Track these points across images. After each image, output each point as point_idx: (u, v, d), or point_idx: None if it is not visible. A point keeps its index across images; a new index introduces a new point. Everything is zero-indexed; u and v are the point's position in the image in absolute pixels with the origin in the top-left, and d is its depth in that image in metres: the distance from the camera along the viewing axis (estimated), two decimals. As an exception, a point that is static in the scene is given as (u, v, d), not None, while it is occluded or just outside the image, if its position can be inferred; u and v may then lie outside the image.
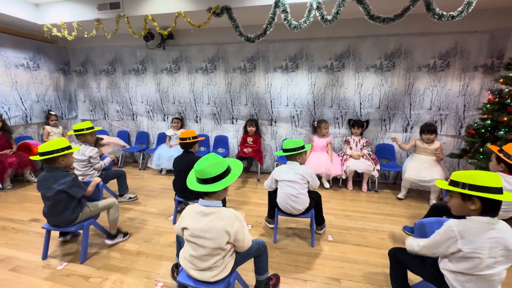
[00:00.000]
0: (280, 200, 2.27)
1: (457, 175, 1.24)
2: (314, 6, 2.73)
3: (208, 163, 1.33)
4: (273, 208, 2.41)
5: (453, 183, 1.25)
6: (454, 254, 1.23)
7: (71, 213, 2.01)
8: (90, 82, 4.95)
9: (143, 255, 2.18)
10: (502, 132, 2.60)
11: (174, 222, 2.74)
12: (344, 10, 2.68)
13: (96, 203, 2.21)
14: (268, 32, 2.94)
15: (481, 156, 2.78)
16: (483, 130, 2.85)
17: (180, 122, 4.51)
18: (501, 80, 2.79)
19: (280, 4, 2.82)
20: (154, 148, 4.58)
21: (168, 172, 4.37)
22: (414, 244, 1.41)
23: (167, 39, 4.23)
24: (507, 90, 2.69)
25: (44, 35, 3.86)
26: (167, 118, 4.76)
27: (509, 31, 3.20)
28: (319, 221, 2.44)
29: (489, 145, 2.34)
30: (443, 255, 1.31)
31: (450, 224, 1.24)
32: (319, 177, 3.72)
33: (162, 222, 2.74)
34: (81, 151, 2.79)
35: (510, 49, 3.18)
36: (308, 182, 2.23)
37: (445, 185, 1.30)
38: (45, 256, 2.13)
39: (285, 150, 2.27)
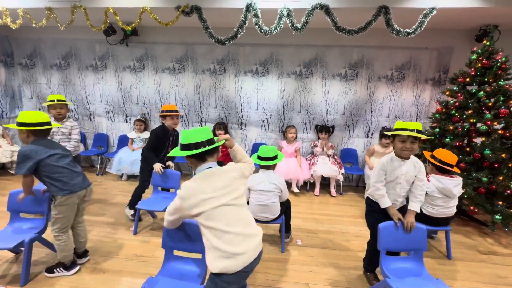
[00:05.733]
0: (251, 211, 2.22)
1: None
2: (285, 13, 2.79)
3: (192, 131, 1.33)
4: None
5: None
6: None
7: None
8: (39, 77, 4.41)
9: (99, 272, 1.97)
10: (448, 139, 2.91)
11: (135, 232, 2.53)
12: (313, 19, 2.78)
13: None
14: (239, 35, 2.92)
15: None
16: (432, 137, 3.16)
17: (143, 124, 4.24)
18: (447, 93, 3.14)
19: (251, 8, 2.81)
20: (115, 152, 4.23)
21: (130, 177, 4.06)
22: (370, 187, 1.89)
23: (130, 35, 3.96)
24: (452, 102, 3.02)
25: (-20, 21, 3.35)
26: (130, 119, 4.45)
27: (452, 49, 3.62)
28: (286, 228, 2.43)
29: (424, 151, 2.56)
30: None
31: (381, 161, 1.85)
32: (289, 183, 3.76)
33: (122, 234, 2.52)
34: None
35: (454, 65, 3.58)
36: (281, 191, 2.22)
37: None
38: (-26, 280, 1.81)
39: (266, 159, 2.22)
